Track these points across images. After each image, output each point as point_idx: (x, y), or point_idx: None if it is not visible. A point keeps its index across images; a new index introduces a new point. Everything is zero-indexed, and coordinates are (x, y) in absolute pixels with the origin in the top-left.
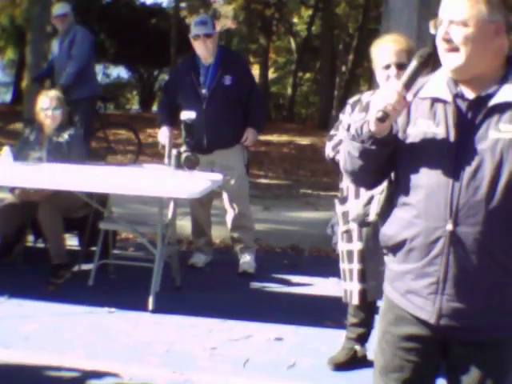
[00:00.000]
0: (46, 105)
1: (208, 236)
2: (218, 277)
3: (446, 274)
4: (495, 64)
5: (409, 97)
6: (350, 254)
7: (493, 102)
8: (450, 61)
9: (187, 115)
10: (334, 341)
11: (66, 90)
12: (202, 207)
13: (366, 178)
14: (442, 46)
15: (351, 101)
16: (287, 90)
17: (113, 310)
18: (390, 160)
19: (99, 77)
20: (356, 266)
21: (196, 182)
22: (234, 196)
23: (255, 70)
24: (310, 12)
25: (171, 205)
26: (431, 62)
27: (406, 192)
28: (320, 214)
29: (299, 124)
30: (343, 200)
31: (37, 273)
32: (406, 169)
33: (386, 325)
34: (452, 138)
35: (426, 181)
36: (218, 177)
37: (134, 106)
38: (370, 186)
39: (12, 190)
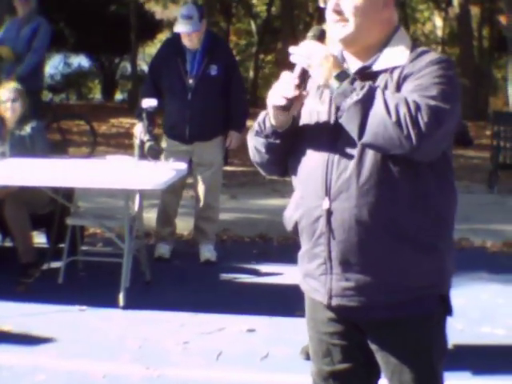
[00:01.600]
0: (5, 97)
1: (173, 226)
2: (186, 269)
3: (329, 253)
4: (382, 35)
5: (306, 88)
6: None
7: (367, 72)
8: (340, 31)
9: (149, 103)
10: (305, 330)
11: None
12: (173, 195)
13: (275, 168)
14: (331, 18)
15: None
16: (249, 74)
17: (84, 307)
18: None
19: (60, 66)
20: None
21: (161, 173)
22: (206, 187)
23: None
24: None
25: (137, 197)
26: (325, 38)
27: (295, 173)
28: (287, 201)
29: (263, 108)
30: None
31: (6, 272)
32: (294, 150)
33: (308, 312)
34: (332, 114)
35: (308, 160)
36: (182, 166)
37: (96, 95)
38: (282, 174)
39: None
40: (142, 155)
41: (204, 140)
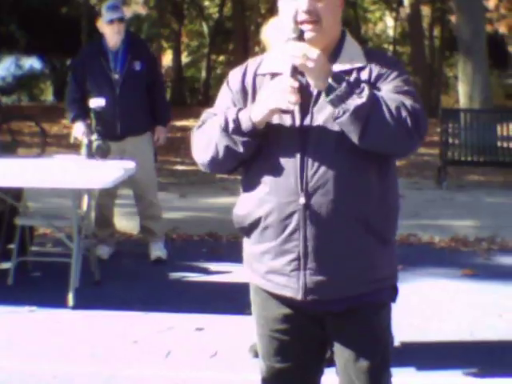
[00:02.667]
0: None
1: (112, 227)
2: (136, 268)
3: (305, 248)
4: (336, 35)
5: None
6: None
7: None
8: (310, 32)
9: (97, 102)
10: (254, 328)
11: None
12: (108, 197)
13: (232, 165)
14: (302, 18)
15: None
16: (201, 74)
17: (34, 308)
18: None
19: (12, 68)
20: None
21: (108, 171)
22: (144, 185)
23: (168, 55)
24: None
25: (86, 197)
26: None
27: (257, 171)
28: (236, 199)
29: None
30: None
31: None
32: (259, 148)
33: (257, 309)
34: (296, 111)
35: (276, 157)
36: (130, 165)
37: (48, 96)
38: (233, 172)
39: None
40: (90, 154)
41: (135, 135)
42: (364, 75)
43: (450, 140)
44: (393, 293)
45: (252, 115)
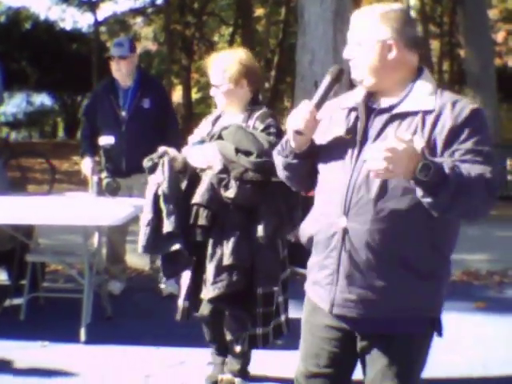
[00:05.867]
0: None
1: (123, 263)
2: (148, 303)
3: (338, 266)
4: (398, 77)
5: (319, 116)
6: None
7: (394, 111)
8: (354, 77)
9: (106, 140)
10: (261, 361)
11: None
12: (119, 233)
13: (296, 185)
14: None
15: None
16: (211, 110)
17: (46, 343)
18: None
19: (22, 105)
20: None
21: (118, 208)
22: None
23: (178, 91)
24: (230, 30)
25: (96, 233)
26: (342, 78)
27: (318, 192)
28: None
29: None
30: None
31: None
32: (320, 172)
33: (306, 315)
34: (357, 142)
35: (331, 181)
36: (139, 202)
37: (59, 133)
38: (305, 189)
39: None
40: (100, 192)
41: (142, 172)
42: (428, 121)
43: None
44: (432, 326)
45: (290, 139)
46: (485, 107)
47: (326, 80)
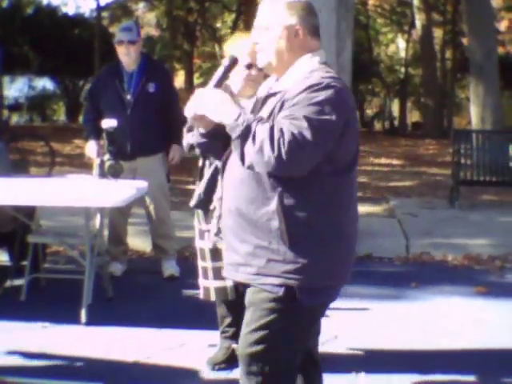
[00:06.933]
0: None
1: (125, 244)
2: (149, 285)
3: None
4: (295, 60)
5: None
6: (202, 251)
7: (269, 92)
8: (259, 60)
9: (109, 123)
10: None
11: None
12: (121, 215)
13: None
14: (256, 48)
15: None
16: None
17: (46, 324)
18: None
19: (24, 89)
20: (209, 264)
21: (120, 190)
22: (156, 205)
23: (180, 77)
24: (233, 16)
25: (98, 215)
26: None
27: None
28: None
29: None
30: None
31: None
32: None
33: None
34: None
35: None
36: (142, 184)
37: (61, 117)
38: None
39: None
40: (102, 174)
41: (146, 155)
42: (278, 98)
43: (462, 160)
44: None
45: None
46: (487, 95)
47: (221, 69)
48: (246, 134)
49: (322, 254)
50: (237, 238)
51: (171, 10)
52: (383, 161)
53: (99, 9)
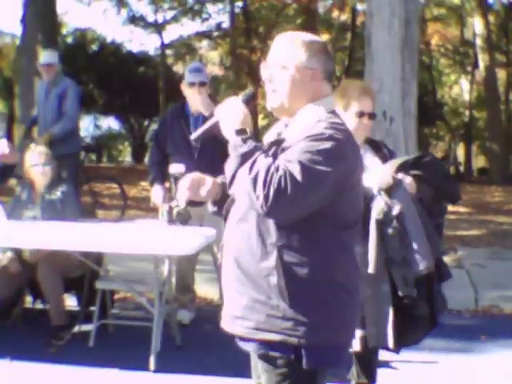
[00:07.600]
0: (36, 161)
1: (193, 292)
2: (217, 334)
3: None
4: (304, 105)
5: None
6: None
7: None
8: (270, 101)
9: (177, 168)
10: None
11: (53, 143)
12: (188, 262)
13: None
14: (267, 87)
15: None
16: None
17: (116, 371)
18: None
19: (90, 128)
20: None
21: (189, 238)
22: None
23: None
24: None
25: (166, 262)
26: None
27: None
28: None
29: None
30: None
31: (37, 334)
32: None
33: None
34: None
35: None
36: (210, 232)
37: (127, 157)
38: None
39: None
40: (171, 220)
41: None
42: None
43: None
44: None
45: None
46: None
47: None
48: (247, 157)
49: (323, 311)
50: (235, 290)
51: (234, 49)
52: (450, 208)
53: (163, 46)
